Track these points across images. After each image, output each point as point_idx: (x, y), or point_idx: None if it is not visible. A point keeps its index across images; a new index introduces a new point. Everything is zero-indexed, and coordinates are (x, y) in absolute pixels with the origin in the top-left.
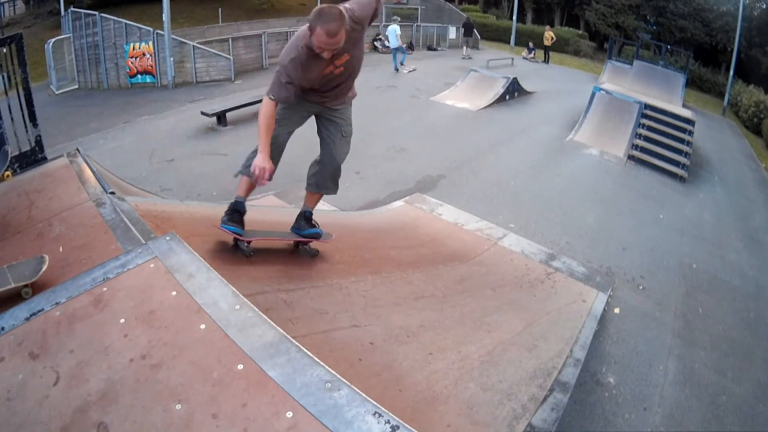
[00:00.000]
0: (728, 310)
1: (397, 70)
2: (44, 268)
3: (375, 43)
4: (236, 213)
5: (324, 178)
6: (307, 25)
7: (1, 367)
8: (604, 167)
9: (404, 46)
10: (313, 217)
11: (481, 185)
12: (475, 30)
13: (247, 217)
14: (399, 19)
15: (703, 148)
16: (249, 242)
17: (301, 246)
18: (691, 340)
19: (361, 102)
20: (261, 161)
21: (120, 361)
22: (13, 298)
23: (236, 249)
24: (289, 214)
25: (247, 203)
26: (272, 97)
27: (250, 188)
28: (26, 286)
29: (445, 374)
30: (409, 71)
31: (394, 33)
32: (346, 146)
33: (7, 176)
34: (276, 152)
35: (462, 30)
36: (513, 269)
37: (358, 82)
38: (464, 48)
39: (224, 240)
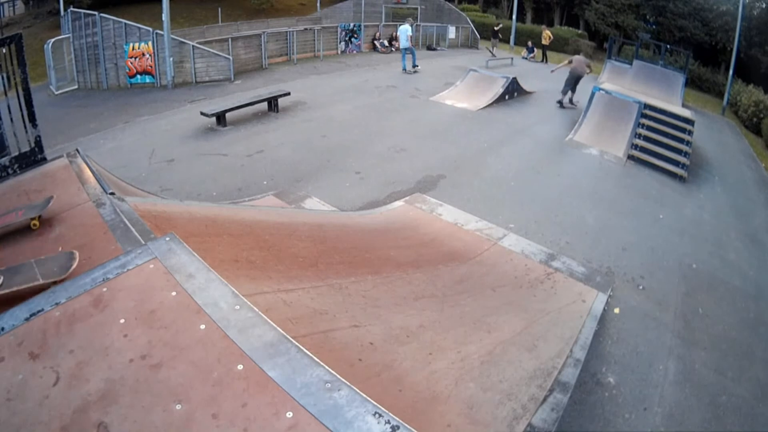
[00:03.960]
0: (728, 310)
1: (404, 70)
2: (74, 266)
3: (374, 42)
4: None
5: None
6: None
7: (1, 367)
8: (604, 167)
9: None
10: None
11: (481, 185)
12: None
13: None
14: (412, 20)
15: (702, 147)
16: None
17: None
18: (691, 340)
19: (361, 102)
20: None
21: (120, 361)
22: (15, 299)
23: None
24: None
25: (246, 202)
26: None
27: None
28: (55, 283)
29: (445, 374)
30: (416, 71)
31: (405, 33)
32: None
33: (35, 224)
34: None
35: (494, 31)
36: (513, 269)
37: (358, 82)
38: (492, 47)
39: (224, 240)
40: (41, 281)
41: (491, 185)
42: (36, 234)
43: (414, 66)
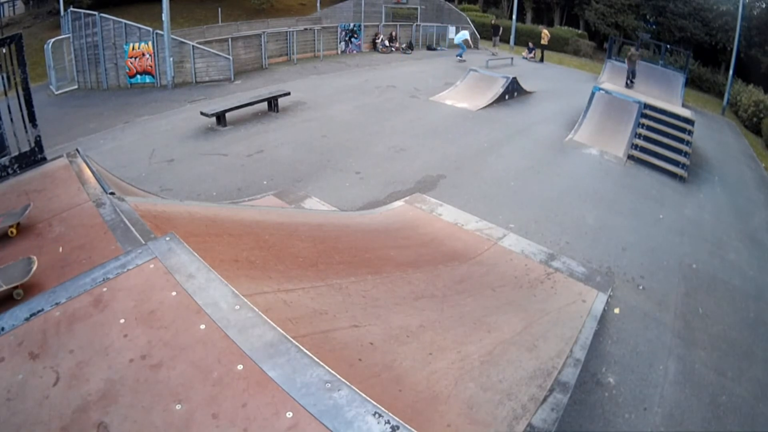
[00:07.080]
0: (728, 310)
1: (460, 56)
2: (34, 269)
3: (374, 42)
4: None
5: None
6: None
7: (1, 367)
8: (604, 167)
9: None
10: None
11: (481, 185)
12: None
13: None
14: (469, 26)
15: (702, 147)
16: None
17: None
18: (691, 340)
19: (361, 102)
20: None
21: (120, 361)
22: (5, 300)
23: None
24: None
25: (246, 202)
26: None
27: None
28: (17, 287)
29: (445, 374)
30: (461, 61)
31: (463, 36)
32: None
33: (12, 232)
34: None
35: (492, 30)
36: (513, 269)
37: (358, 82)
38: (493, 46)
39: (224, 240)
40: (4, 287)
41: (491, 185)
42: (36, 233)
43: (458, 55)
